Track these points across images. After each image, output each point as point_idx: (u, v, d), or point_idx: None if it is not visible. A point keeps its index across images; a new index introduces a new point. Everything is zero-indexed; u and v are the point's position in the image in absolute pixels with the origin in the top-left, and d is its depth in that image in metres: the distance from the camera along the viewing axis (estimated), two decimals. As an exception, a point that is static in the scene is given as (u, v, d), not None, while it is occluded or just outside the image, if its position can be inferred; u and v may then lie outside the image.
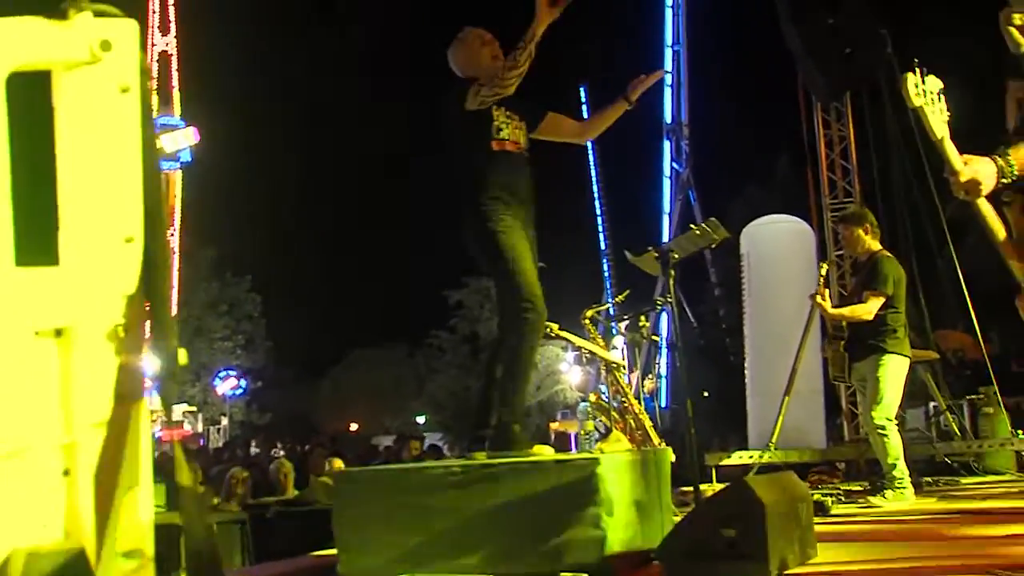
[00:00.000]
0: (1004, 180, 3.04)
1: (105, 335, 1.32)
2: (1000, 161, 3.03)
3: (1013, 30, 3.41)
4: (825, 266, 7.78)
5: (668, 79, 32.85)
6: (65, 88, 1.33)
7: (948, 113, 3.20)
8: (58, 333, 1.31)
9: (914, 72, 3.18)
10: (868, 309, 6.86)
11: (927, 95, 3.17)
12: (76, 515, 1.30)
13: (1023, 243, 3.36)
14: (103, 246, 1.34)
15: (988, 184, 3.05)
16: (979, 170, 3.04)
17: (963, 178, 3.05)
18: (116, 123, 1.35)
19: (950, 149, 3.11)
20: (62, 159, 1.32)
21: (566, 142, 5.22)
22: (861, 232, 7.15)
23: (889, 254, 7.18)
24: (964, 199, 3.17)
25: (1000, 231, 3.39)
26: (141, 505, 1.36)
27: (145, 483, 1.36)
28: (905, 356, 6.93)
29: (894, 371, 6.83)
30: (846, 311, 7.15)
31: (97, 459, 1.31)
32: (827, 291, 7.35)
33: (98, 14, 1.33)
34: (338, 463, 9.94)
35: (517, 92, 4.67)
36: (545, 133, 5.01)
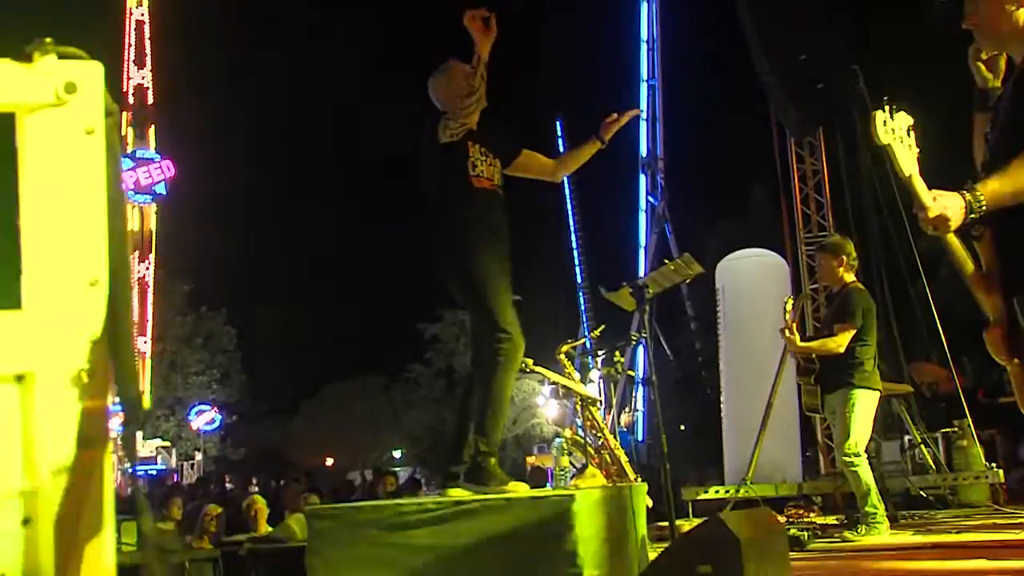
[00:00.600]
0: (972, 215, 3.04)
1: (68, 380, 1.30)
2: (968, 196, 3.01)
3: (980, 65, 3.44)
4: (791, 300, 7.72)
5: (644, 113, 33.01)
6: (29, 131, 1.32)
7: (918, 149, 3.21)
8: (20, 379, 1.29)
9: (883, 109, 3.18)
10: (838, 343, 6.87)
11: (895, 132, 3.17)
12: (37, 563, 1.27)
13: (992, 277, 3.37)
14: (67, 290, 1.32)
15: (957, 219, 3.03)
16: (948, 205, 3.01)
17: (932, 214, 3.04)
18: (80, 165, 1.34)
19: (919, 185, 3.09)
20: (25, 202, 1.31)
21: (539, 179, 5.21)
22: (836, 263, 7.15)
23: (860, 286, 7.19)
24: (933, 234, 3.17)
25: (969, 265, 3.40)
26: (104, 551, 1.34)
27: (108, 528, 1.34)
28: (874, 390, 6.93)
29: (863, 406, 6.83)
30: (815, 344, 7.17)
31: (59, 506, 1.29)
32: (795, 324, 7.32)
33: (63, 56, 1.33)
34: (313, 499, 9.87)
35: (492, 128, 4.69)
36: (519, 170, 5.03)
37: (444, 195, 4.71)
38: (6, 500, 1.27)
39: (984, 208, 3.02)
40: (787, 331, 7.19)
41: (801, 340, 7.28)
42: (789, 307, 7.48)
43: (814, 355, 7.19)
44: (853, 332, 6.86)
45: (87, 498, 1.31)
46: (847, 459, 6.72)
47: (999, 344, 3.38)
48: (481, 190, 4.68)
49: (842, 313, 6.99)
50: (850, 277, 7.16)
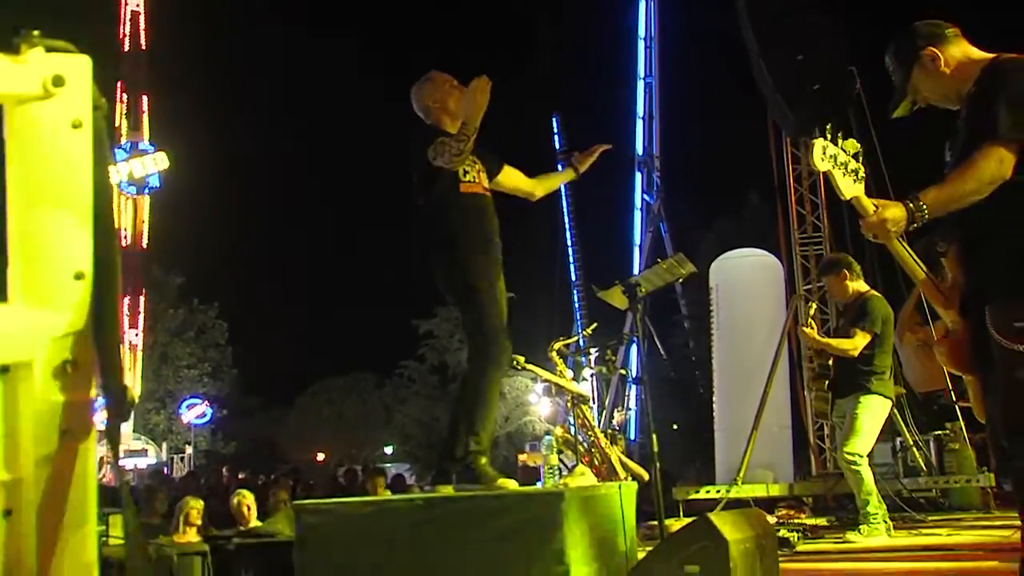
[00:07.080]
0: (915, 224, 3.20)
1: (53, 372, 1.30)
2: (911, 204, 3.17)
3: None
4: (815, 304, 7.79)
5: (640, 111, 33.05)
6: (16, 122, 1.32)
7: (865, 174, 3.42)
8: (4, 370, 1.28)
9: (825, 137, 3.34)
10: (854, 344, 6.85)
11: (836, 159, 3.33)
12: (18, 555, 1.27)
13: (957, 291, 3.46)
14: (53, 282, 1.32)
15: (897, 226, 3.20)
16: (887, 216, 3.19)
17: (870, 220, 3.23)
18: (67, 158, 1.34)
19: (864, 203, 3.29)
20: (12, 194, 1.31)
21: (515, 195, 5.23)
22: (840, 279, 7.17)
23: (878, 294, 7.20)
24: (875, 241, 3.34)
25: (919, 272, 3.53)
26: (87, 543, 1.34)
27: (91, 521, 1.34)
28: (887, 397, 6.94)
29: (874, 410, 6.83)
30: (833, 341, 7.17)
31: (41, 498, 1.29)
32: (814, 322, 7.38)
33: (51, 49, 1.33)
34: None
35: (480, 137, 4.68)
36: (499, 185, 5.04)
37: (436, 200, 4.69)
38: (-11, 491, 1.27)
39: (927, 215, 3.18)
40: (806, 327, 7.26)
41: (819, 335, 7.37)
42: (813, 310, 7.55)
43: (829, 360, 7.24)
44: (870, 337, 6.84)
45: (70, 490, 1.31)
46: (849, 458, 6.71)
47: (949, 355, 3.52)
48: (472, 195, 4.69)
49: (861, 318, 6.95)
50: (863, 286, 7.18)
